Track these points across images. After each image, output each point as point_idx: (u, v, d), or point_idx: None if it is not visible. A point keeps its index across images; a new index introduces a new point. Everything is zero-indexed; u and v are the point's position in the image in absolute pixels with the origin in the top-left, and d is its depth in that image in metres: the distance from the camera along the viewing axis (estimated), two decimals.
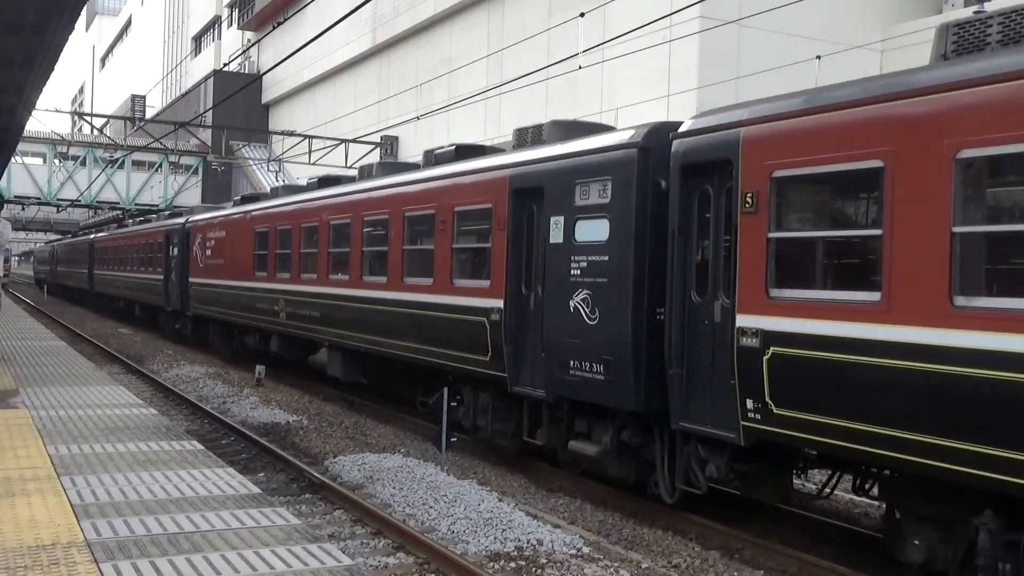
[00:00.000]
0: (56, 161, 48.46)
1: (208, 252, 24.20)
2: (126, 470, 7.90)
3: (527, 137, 12.17)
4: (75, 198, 48.23)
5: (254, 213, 21.14)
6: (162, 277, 28.55)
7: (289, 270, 18.32)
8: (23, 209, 56.73)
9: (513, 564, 7.97)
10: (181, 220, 27.66)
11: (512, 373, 11.02)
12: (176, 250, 27.27)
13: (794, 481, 9.48)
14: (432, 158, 14.28)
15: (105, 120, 55.42)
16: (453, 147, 13.84)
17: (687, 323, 8.74)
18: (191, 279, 25.46)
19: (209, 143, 48.66)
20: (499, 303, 11.20)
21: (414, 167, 15.46)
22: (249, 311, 20.70)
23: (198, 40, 71.37)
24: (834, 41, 21.86)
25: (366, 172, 16.59)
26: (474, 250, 12.45)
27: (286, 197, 19.75)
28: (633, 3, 22.71)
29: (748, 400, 7.85)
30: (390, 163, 16.49)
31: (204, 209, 27.95)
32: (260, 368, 19.65)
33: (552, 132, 11.66)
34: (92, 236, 46.63)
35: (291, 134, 38.95)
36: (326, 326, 16.43)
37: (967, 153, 6.36)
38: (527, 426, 11.30)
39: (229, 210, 23.87)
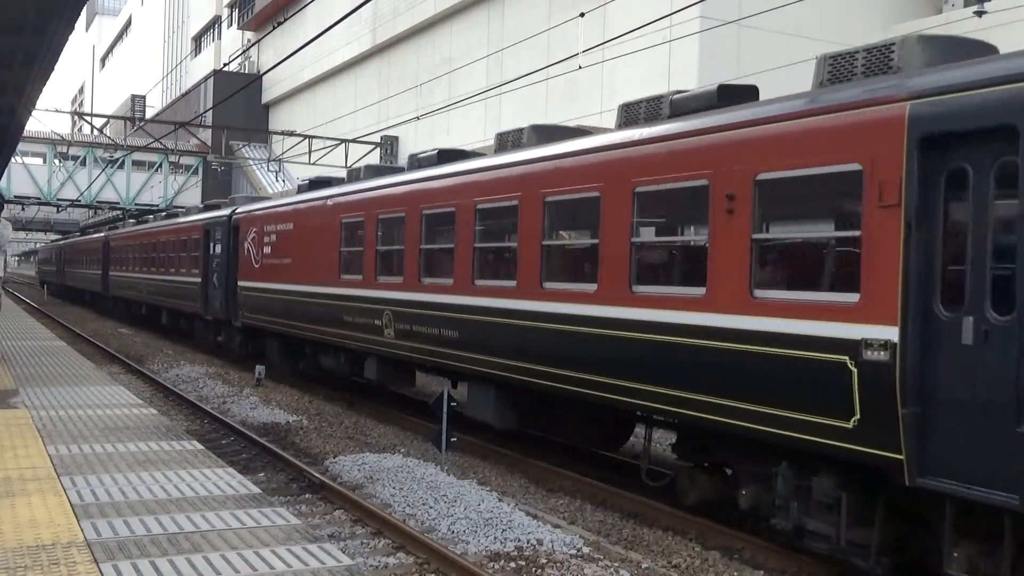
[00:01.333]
0: (56, 161, 48.53)
1: (267, 249, 19.70)
2: (126, 470, 7.90)
3: (855, 65, 7.78)
4: (75, 198, 48.29)
5: (340, 199, 16.35)
6: (199, 280, 24.58)
7: (401, 272, 13.81)
8: (23, 209, 56.76)
9: (513, 564, 7.97)
10: (225, 212, 23.42)
11: (914, 454, 6.54)
12: (219, 248, 23.10)
13: None
14: (667, 107, 9.72)
15: (105, 120, 55.44)
16: (713, 88, 9.35)
17: None
18: (242, 283, 21.16)
19: (209, 143, 48.70)
20: (887, 333, 6.72)
21: (592, 131, 12.01)
22: (332, 325, 16.11)
23: (198, 40, 71.41)
24: (834, 41, 21.78)
25: (511, 140, 12.42)
26: (810, 244, 8.29)
27: (390, 177, 15.07)
28: (633, 3, 22.72)
29: None
30: (549, 127, 12.38)
31: (247, 200, 24.55)
32: (260, 368, 19.63)
33: (914, 52, 7.42)
34: (107, 233, 41.78)
35: (291, 134, 38.98)
36: (469, 351, 11.95)
37: None
38: (949, 548, 6.58)
39: (298, 197, 19.21)
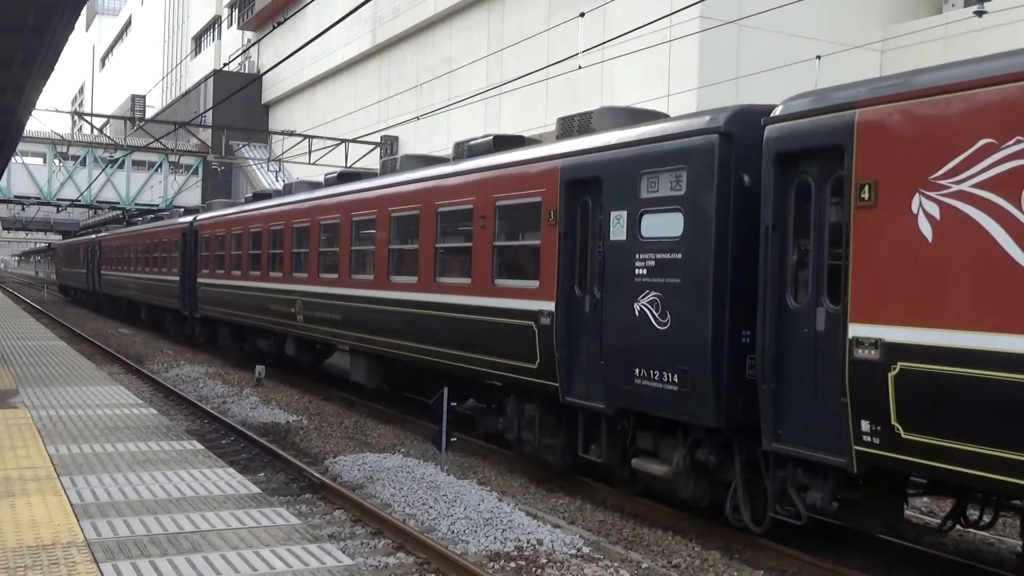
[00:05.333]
0: (56, 161, 48.50)
1: None
2: (126, 470, 7.90)
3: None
4: (75, 198, 48.24)
5: None
6: (546, 308, 10.60)
7: None
8: (23, 209, 56.73)
9: (513, 564, 7.98)
10: (700, 120, 9.02)
11: None
12: (708, 231, 8.73)
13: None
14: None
15: (105, 120, 55.47)
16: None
17: None
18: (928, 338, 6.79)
19: (209, 143, 48.69)
20: None
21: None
22: None
23: (198, 40, 71.40)
24: (834, 41, 21.86)
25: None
26: None
27: None
28: (633, 3, 22.71)
29: None
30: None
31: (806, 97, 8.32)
32: (260, 368, 19.61)
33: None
34: (194, 218, 26.65)
35: (291, 134, 38.96)
36: None
37: None
38: None
39: None
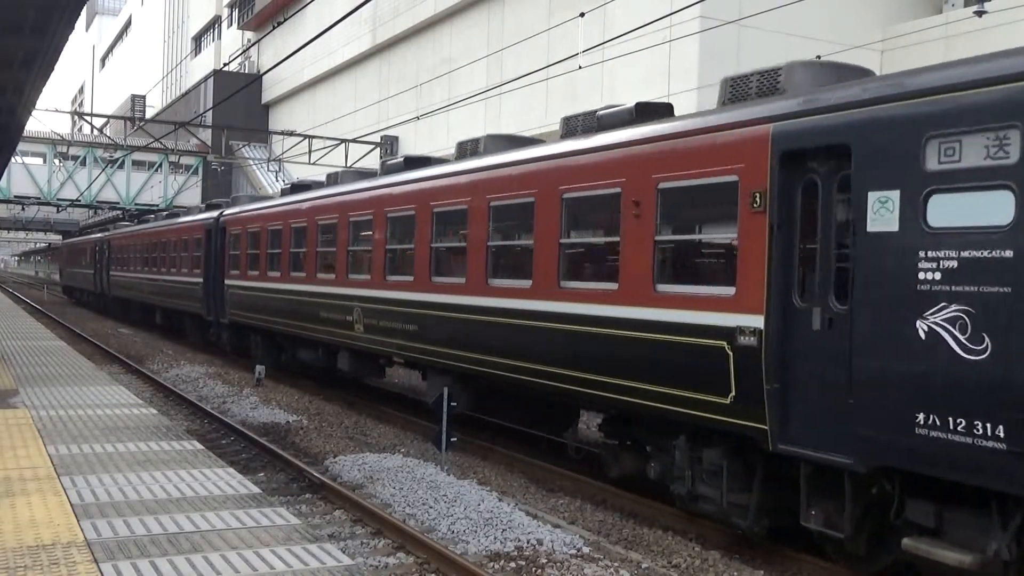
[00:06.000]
0: (56, 161, 48.58)
1: None
2: (126, 470, 7.90)
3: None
4: (75, 198, 48.30)
5: None
6: None
7: None
8: (23, 209, 56.77)
9: (513, 564, 7.98)
10: None
11: None
12: None
13: None
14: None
15: (105, 120, 55.51)
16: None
17: None
18: None
19: (209, 143, 48.75)
20: None
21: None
22: None
23: (198, 40, 71.47)
24: (834, 41, 21.86)
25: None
26: None
27: None
28: (633, 3, 22.72)
29: None
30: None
31: None
32: (260, 368, 19.60)
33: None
34: (219, 214, 23.77)
35: (291, 134, 39.00)
36: None
37: None
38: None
39: None
